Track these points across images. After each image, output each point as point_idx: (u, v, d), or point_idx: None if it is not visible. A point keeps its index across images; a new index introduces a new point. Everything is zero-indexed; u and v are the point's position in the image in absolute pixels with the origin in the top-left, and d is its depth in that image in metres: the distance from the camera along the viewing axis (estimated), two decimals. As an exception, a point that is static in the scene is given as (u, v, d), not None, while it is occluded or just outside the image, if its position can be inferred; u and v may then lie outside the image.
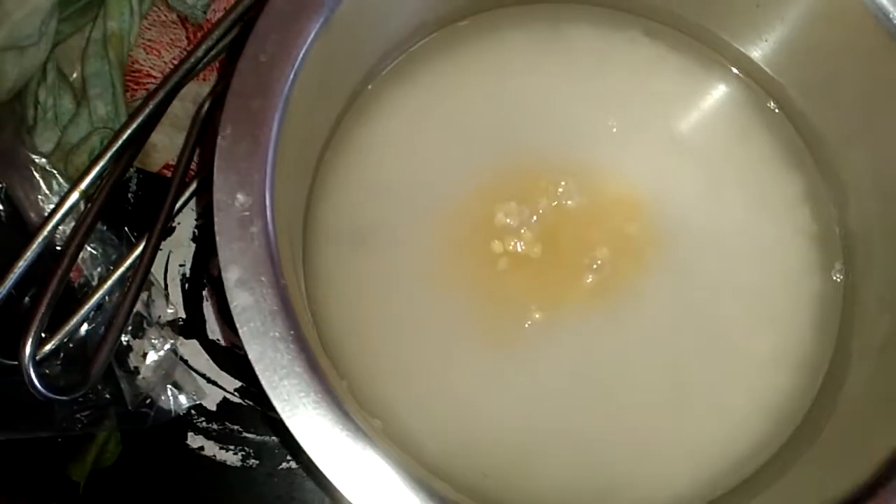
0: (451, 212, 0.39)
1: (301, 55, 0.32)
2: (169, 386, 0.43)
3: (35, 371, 0.37)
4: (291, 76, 0.32)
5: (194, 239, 0.46)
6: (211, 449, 0.44)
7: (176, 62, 0.47)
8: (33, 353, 0.37)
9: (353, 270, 0.39)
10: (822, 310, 0.40)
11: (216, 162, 0.30)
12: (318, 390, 0.28)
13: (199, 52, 0.44)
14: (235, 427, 0.44)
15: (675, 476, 0.38)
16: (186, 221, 0.46)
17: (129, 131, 0.41)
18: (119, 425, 0.43)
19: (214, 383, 0.44)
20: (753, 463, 0.38)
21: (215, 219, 0.30)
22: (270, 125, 0.31)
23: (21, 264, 0.39)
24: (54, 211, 0.40)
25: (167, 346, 0.43)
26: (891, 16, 0.34)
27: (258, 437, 0.44)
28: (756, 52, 0.41)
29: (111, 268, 0.42)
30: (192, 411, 0.44)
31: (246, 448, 0.44)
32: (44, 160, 0.43)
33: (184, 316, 0.45)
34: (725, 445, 0.38)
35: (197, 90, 0.47)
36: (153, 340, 0.43)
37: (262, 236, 0.30)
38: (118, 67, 0.45)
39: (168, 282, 0.45)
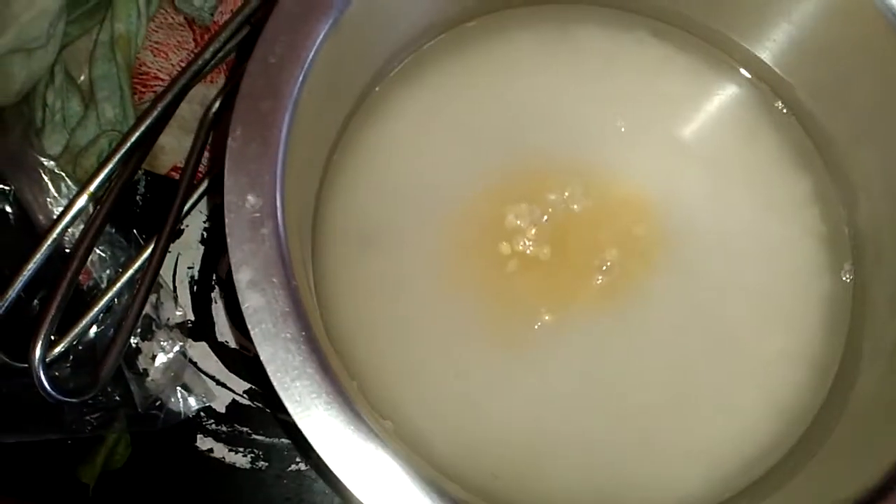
0: (460, 213, 0.39)
1: (310, 57, 0.32)
2: (178, 388, 0.43)
3: (45, 373, 0.37)
4: (301, 78, 0.32)
5: (203, 241, 0.46)
6: (220, 451, 0.44)
7: (183, 64, 0.47)
8: (43, 356, 0.37)
9: (361, 271, 0.39)
10: (831, 311, 0.40)
11: (227, 163, 0.30)
12: (330, 391, 0.28)
13: (207, 55, 0.44)
14: (245, 429, 0.44)
15: (685, 477, 0.38)
16: (195, 224, 0.46)
17: (137, 134, 0.41)
18: (129, 427, 0.43)
19: (223, 385, 0.44)
20: (763, 464, 0.38)
21: (226, 220, 0.30)
22: (280, 127, 0.31)
23: (30, 267, 0.39)
24: (63, 213, 0.40)
25: (176, 349, 0.43)
26: (901, 15, 0.34)
27: (267, 439, 0.44)
28: (765, 53, 0.41)
29: (120, 270, 0.42)
30: (202, 413, 0.44)
31: (255, 450, 0.44)
32: (52, 163, 0.43)
33: (193, 318, 0.45)
34: (735, 447, 0.38)
35: (205, 92, 0.47)
36: (162, 343, 0.43)
37: (273, 237, 0.30)
38: (126, 70, 0.45)
39: (177, 284, 0.45)
